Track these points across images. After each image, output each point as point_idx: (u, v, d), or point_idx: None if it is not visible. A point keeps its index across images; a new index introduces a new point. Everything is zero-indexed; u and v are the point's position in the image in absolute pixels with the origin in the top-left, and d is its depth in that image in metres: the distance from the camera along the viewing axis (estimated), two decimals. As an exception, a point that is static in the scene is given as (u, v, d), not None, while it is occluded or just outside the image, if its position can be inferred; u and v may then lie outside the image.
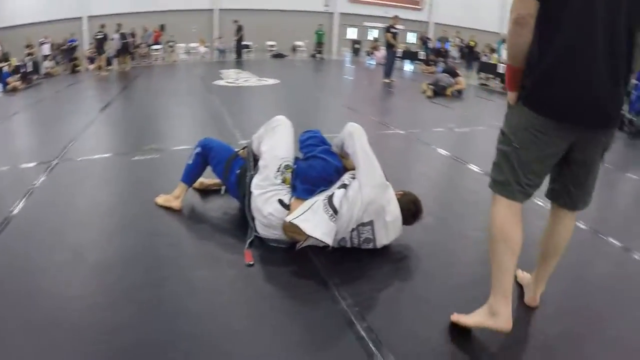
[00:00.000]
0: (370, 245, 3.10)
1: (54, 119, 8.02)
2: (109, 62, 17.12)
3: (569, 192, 2.35)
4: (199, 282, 2.79)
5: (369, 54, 23.03)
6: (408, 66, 20.52)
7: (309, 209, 2.99)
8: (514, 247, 2.24)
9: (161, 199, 3.77)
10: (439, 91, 11.00)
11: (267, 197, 3.18)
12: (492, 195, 2.31)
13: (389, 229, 3.07)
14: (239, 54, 21.03)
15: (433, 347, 2.32)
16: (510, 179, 2.24)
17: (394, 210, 3.07)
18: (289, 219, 2.97)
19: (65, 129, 6.83)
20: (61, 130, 6.75)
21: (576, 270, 3.09)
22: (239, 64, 18.21)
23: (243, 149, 3.64)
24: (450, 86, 11.22)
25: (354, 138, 3.16)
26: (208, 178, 4.01)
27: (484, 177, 4.88)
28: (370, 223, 3.01)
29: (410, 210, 3.20)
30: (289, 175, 3.24)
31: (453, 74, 11.67)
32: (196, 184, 3.95)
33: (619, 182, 5.47)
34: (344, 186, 3.07)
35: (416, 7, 29.11)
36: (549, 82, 2.05)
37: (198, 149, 3.68)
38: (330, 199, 3.00)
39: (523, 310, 2.61)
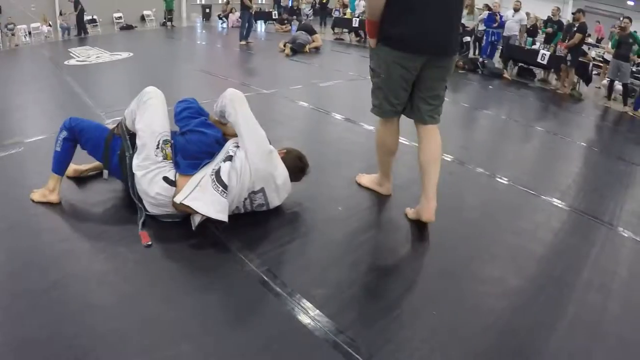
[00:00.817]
0: (264, 209, 3.28)
1: None
2: None
3: (420, 109, 3.27)
4: (102, 274, 2.69)
5: (221, 17, 22.63)
6: (262, 26, 20.48)
7: (197, 185, 2.97)
8: (390, 149, 3.57)
9: (36, 195, 3.44)
10: (297, 49, 11.20)
11: (151, 177, 3.07)
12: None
13: (280, 190, 3.25)
14: (82, 30, 19.76)
15: (344, 290, 2.64)
16: (382, 102, 3.29)
17: (282, 173, 3.21)
18: (178, 199, 2.93)
19: None
20: None
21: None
22: (85, 40, 17.20)
23: (116, 126, 3.41)
24: (308, 43, 11.45)
25: (235, 106, 3.16)
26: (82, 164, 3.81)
27: (346, 123, 5.23)
28: (262, 190, 3.15)
29: (297, 167, 3.38)
30: (169, 151, 3.14)
31: (310, 31, 11.91)
32: (69, 172, 3.68)
33: (478, 118, 6.22)
34: (230, 158, 3.08)
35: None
36: (400, 28, 2.95)
37: (64, 134, 3.34)
38: (217, 173, 3.00)
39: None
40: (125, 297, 2.50)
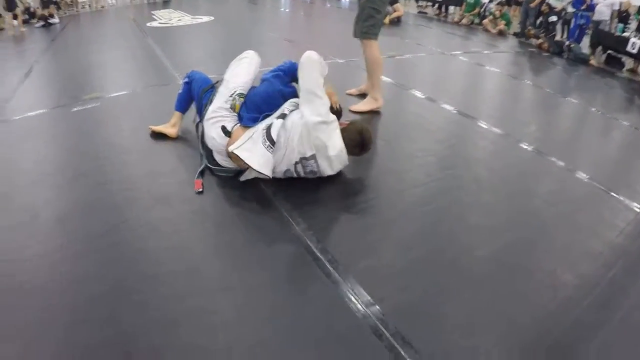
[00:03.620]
0: (316, 176, 3.21)
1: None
2: (34, 15, 15.98)
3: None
4: (157, 221, 2.85)
5: None
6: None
7: (249, 138, 3.05)
8: (382, 66, 4.66)
9: (156, 127, 4.00)
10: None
11: (213, 122, 3.32)
12: (368, 41, 4.50)
13: (332, 161, 3.15)
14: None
15: (387, 263, 2.56)
16: (378, 30, 4.52)
17: (336, 144, 3.11)
18: (231, 148, 3.04)
19: None
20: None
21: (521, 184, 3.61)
22: (169, 3, 17.53)
23: (217, 81, 3.67)
24: (389, 14, 11.20)
25: (303, 69, 3.17)
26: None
27: (426, 102, 5.06)
28: (313, 157, 3.08)
29: (355, 140, 3.21)
30: (239, 103, 3.36)
31: (391, 1, 11.64)
32: (158, 128, 4.01)
33: (559, 105, 5.90)
34: (283, 116, 3.11)
35: None
36: None
37: (186, 79, 3.89)
38: (268, 129, 3.06)
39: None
40: (173, 246, 2.64)
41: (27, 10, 15.37)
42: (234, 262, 2.54)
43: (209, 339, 2.03)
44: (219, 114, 3.33)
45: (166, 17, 12.97)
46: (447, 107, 5.09)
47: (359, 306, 2.20)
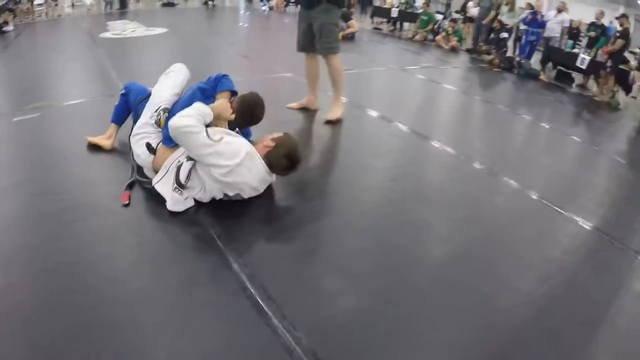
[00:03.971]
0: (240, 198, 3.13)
1: None
2: None
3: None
4: (83, 233, 2.82)
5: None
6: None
7: (167, 172, 3.05)
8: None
9: (91, 139, 3.92)
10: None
11: (138, 138, 3.36)
12: (334, 55, 4.76)
13: (257, 189, 3.11)
14: (123, 3, 19.95)
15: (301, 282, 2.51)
16: (339, 43, 4.83)
17: (256, 175, 3.03)
18: (154, 182, 3.08)
19: None
20: None
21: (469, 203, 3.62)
22: (125, 14, 17.32)
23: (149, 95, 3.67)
24: (343, 30, 11.28)
25: (179, 141, 2.97)
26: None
27: (379, 120, 5.12)
28: (237, 195, 3.06)
29: (282, 165, 3.10)
30: (164, 118, 3.35)
31: (346, 17, 11.73)
32: (93, 140, 3.94)
33: (507, 120, 6.02)
34: (192, 158, 2.97)
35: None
36: None
37: (123, 90, 3.86)
38: (177, 170, 2.97)
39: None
40: (97, 257, 2.62)
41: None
42: (154, 275, 2.51)
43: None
44: (144, 130, 3.36)
45: (120, 28, 12.75)
46: (400, 125, 5.10)
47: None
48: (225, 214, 3.02)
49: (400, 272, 2.61)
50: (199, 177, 2.97)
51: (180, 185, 2.93)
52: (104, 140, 3.90)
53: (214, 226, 2.88)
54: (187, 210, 3.00)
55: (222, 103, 3.19)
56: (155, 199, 3.08)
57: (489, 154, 4.52)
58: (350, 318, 2.23)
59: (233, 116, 3.24)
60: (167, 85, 3.59)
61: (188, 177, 2.93)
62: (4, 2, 15.00)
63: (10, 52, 10.06)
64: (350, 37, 11.55)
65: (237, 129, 3.30)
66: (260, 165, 3.02)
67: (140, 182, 3.31)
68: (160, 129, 3.34)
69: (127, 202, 3.07)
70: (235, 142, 2.97)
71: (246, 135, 3.34)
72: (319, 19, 4.61)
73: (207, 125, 2.95)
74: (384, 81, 7.70)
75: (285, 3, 19.96)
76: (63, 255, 2.60)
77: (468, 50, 11.57)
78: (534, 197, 3.67)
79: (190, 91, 3.39)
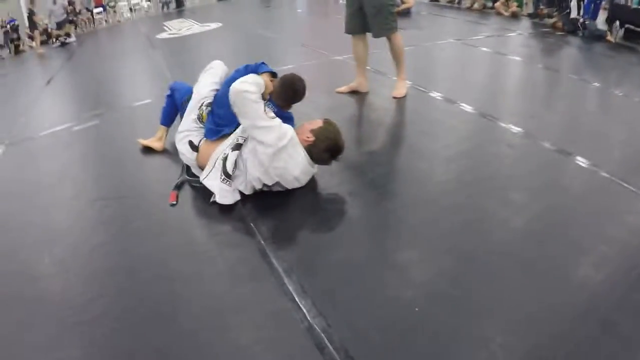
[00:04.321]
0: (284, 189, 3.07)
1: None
2: (50, 36, 16.19)
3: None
4: (134, 232, 2.95)
5: None
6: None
7: (213, 167, 3.04)
8: None
9: (143, 141, 4.04)
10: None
11: (181, 137, 3.42)
12: (394, 35, 4.63)
13: (300, 179, 3.01)
14: (179, 2, 20.32)
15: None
16: (397, 21, 4.67)
17: (299, 164, 2.94)
18: (201, 178, 3.10)
19: (10, 109, 6.68)
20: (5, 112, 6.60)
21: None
22: (182, 13, 17.62)
23: None
24: (398, 6, 10.96)
25: (235, 107, 2.93)
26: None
27: (444, 103, 4.82)
28: (277, 184, 2.98)
29: (324, 158, 3.01)
30: (206, 113, 3.40)
31: (400, -9, 11.39)
32: (145, 142, 4.05)
33: (567, 86, 5.63)
34: (238, 146, 2.97)
35: None
36: None
37: (168, 92, 3.91)
38: (224, 162, 2.97)
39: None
40: (142, 254, 2.73)
41: (44, 31, 15.65)
42: (198, 271, 2.52)
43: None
44: (186, 128, 3.42)
45: (176, 28, 13.01)
46: (463, 105, 4.66)
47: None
48: (268, 207, 2.99)
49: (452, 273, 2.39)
50: (242, 165, 2.95)
51: (227, 176, 2.93)
52: (155, 142, 3.98)
53: (255, 221, 2.84)
54: (232, 205, 3.00)
55: (266, 78, 3.19)
56: (202, 198, 3.12)
57: (559, 132, 4.07)
58: (390, 316, 2.10)
59: (271, 89, 3.24)
60: (207, 82, 3.59)
61: (235, 166, 2.94)
62: (65, 16, 15.47)
63: (72, 63, 10.47)
64: (406, 13, 11.20)
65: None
66: (303, 154, 2.94)
67: (189, 181, 3.35)
68: (202, 125, 3.37)
69: (174, 202, 3.13)
70: (283, 125, 2.92)
71: (289, 122, 3.22)
72: (374, 1, 4.45)
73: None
74: (443, 56, 7.26)
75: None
76: (115, 258, 2.72)
77: (529, 15, 10.96)
78: (607, 175, 3.20)
79: (230, 77, 3.32)
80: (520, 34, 9.11)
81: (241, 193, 3.02)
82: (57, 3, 15.62)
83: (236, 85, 2.88)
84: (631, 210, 2.82)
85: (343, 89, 5.02)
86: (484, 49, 7.36)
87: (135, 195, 3.41)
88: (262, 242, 2.64)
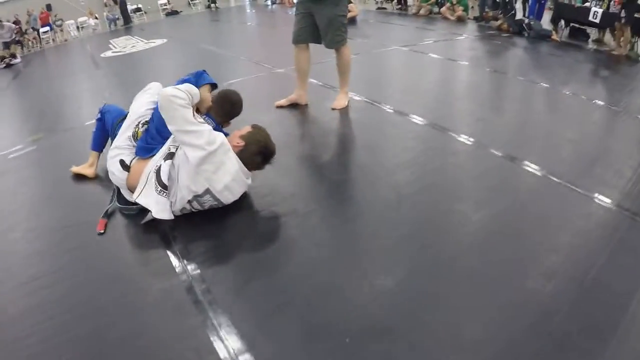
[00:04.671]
0: (220, 206, 2.94)
1: None
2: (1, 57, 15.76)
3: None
4: (69, 261, 2.79)
5: None
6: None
7: (146, 183, 2.88)
8: None
9: (75, 169, 3.86)
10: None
11: (112, 155, 3.25)
12: (343, 48, 4.57)
13: (231, 188, 2.88)
14: (126, 19, 19.95)
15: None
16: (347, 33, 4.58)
17: (230, 170, 2.83)
18: (134, 197, 2.91)
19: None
20: None
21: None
22: (129, 30, 17.28)
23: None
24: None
25: (163, 111, 2.84)
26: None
27: (387, 110, 4.73)
28: (208, 192, 2.82)
29: (256, 162, 2.94)
30: (141, 130, 3.24)
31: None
32: (76, 169, 3.88)
33: (514, 87, 5.63)
34: (171, 155, 2.87)
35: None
36: None
37: (98, 115, 3.71)
38: (158, 172, 2.84)
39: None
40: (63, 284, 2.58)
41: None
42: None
43: None
44: (118, 145, 3.27)
45: (121, 45, 12.73)
46: (413, 116, 4.52)
47: None
48: (199, 232, 2.85)
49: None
50: (175, 174, 2.83)
51: (163, 187, 2.80)
52: (87, 169, 3.79)
53: (185, 248, 2.72)
54: (161, 231, 2.87)
55: (204, 92, 3.15)
56: (132, 225, 3.02)
57: (508, 137, 4.02)
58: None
59: (210, 104, 3.22)
60: (144, 101, 3.46)
61: (169, 176, 2.81)
62: (11, 38, 15.13)
63: (16, 84, 10.11)
64: (352, 21, 11.18)
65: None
66: (234, 160, 2.84)
67: (119, 208, 3.19)
68: (135, 144, 3.21)
69: (102, 230, 2.99)
70: (213, 132, 2.84)
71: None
72: (326, 12, 4.36)
73: None
74: (390, 64, 7.24)
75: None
76: (43, 292, 2.54)
77: (475, 19, 11.08)
78: (557, 180, 3.19)
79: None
80: (467, 37, 9.19)
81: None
82: (5, 27, 15.28)
83: (166, 90, 2.82)
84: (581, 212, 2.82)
85: (282, 102, 4.88)
86: (431, 54, 7.37)
87: (66, 225, 3.21)
88: (189, 272, 2.49)
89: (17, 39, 16.83)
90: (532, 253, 2.45)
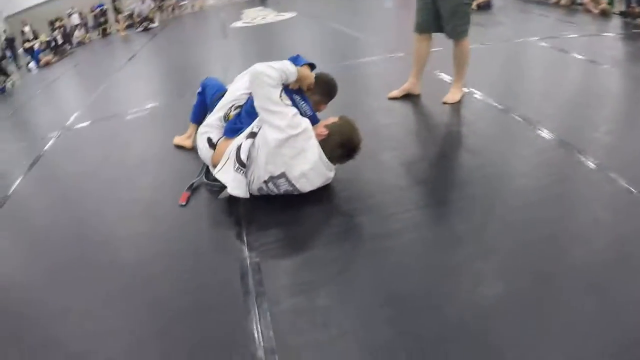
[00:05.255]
0: (295, 193, 2.87)
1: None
2: (134, 21, 16.90)
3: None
4: (135, 235, 2.94)
5: None
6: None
7: (227, 160, 2.89)
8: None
9: (176, 139, 4.07)
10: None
11: (202, 132, 3.36)
12: (464, 39, 4.16)
13: (309, 177, 2.79)
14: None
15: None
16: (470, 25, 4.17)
17: (310, 159, 2.75)
18: (215, 171, 2.94)
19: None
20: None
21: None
22: (266, 2, 17.55)
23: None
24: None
25: (252, 87, 2.86)
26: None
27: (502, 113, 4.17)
28: (283, 175, 2.76)
29: (337, 154, 2.83)
30: (232, 113, 3.28)
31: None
32: (176, 141, 4.09)
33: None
34: (253, 135, 2.85)
35: None
36: None
37: (199, 89, 3.83)
38: (238, 150, 2.82)
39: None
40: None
41: (129, 16, 16.39)
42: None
43: None
44: (208, 123, 3.36)
45: (252, 16, 13.03)
46: (533, 124, 3.72)
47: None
48: (270, 220, 2.81)
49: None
50: (255, 153, 2.80)
51: (241, 164, 2.79)
52: (185, 140, 3.95)
53: (251, 235, 2.69)
54: (234, 213, 2.92)
55: (307, 70, 3.10)
56: (213, 202, 3.09)
57: None
58: None
59: (313, 81, 3.10)
60: (241, 85, 3.42)
61: (249, 155, 2.80)
62: (151, 7, 16.15)
63: (148, 47, 10.70)
64: (485, 6, 10.59)
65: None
66: (316, 149, 2.76)
67: (206, 184, 3.27)
68: (224, 124, 3.27)
69: (184, 203, 3.10)
70: (298, 115, 2.80)
71: (313, 121, 2.98)
72: (450, 2, 4.07)
73: (287, 87, 2.92)
74: (520, 58, 6.41)
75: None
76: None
77: (621, 14, 10.09)
78: None
79: None
80: (610, 35, 8.30)
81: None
82: (146, 2, 16.31)
83: (258, 67, 2.80)
84: None
85: (395, 93, 4.61)
86: (568, 52, 6.58)
87: (150, 193, 3.43)
88: (250, 259, 2.46)
89: (158, 4, 17.96)
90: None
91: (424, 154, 3.53)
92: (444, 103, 4.29)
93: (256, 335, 1.97)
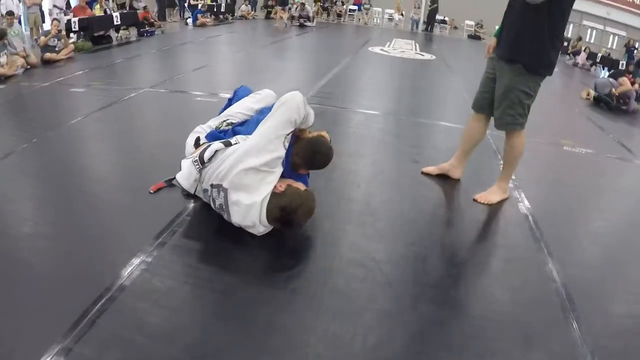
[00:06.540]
0: (225, 216, 2.76)
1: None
2: (294, 17, 17.74)
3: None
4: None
5: (570, 54, 18.41)
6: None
7: (193, 153, 3.02)
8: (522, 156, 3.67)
9: None
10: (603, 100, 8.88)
11: (195, 130, 3.40)
12: (517, 133, 3.46)
13: (241, 209, 2.65)
14: (430, 26, 20.12)
15: None
16: (526, 117, 3.45)
17: (254, 197, 2.62)
18: (185, 158, 3.08)
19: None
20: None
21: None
22: (419, 36, 17.33)
23: None
24: (615, 89, 8.96)
25: (279, 108, 2.72)
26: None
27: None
28: (224, 189, 2.67)
29: (273, 215, 2.63)
30: (224, 126, 3.35)
31: (615, 74, 9.59)
32: None
33: None
34: (228, 143, 2.85)
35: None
36: None
37: (231, 95, 3.84)
38: (205, 149, 2.87)
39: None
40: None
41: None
42: None
43: None
44: (202, 126, 3.41)
45: (395, 46, 12.90)
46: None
47: None
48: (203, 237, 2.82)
49: None
50: (219, 158, 2.78)
51: (201, 161, 2.83)
52: None
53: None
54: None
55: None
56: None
57: None
58: None
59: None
60: (245, 105, 3.52)
61: (212, 157, 2.79)
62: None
63: (291, 42, 11.70)
64: (623, 101, 8.98)
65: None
66: (265, 195, 2.64)
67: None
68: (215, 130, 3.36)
69: (153, 191, 3.23)
70: (281, 161, 2.72)
71: (285, 174, 2.87)
72: (505, 79, 3.35)
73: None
74: (613, 182, 4.78)
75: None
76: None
77: None
78: None
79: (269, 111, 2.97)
80: None
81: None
82: (305, 9, 17.29)
83: (298, 96, 2.75)
84: None
85: (431, 169, 4.03)
86: None
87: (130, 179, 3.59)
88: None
89: (325, 5, 18.78)
90: None
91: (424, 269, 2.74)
92: (475, 200, 3.61)
93: None
